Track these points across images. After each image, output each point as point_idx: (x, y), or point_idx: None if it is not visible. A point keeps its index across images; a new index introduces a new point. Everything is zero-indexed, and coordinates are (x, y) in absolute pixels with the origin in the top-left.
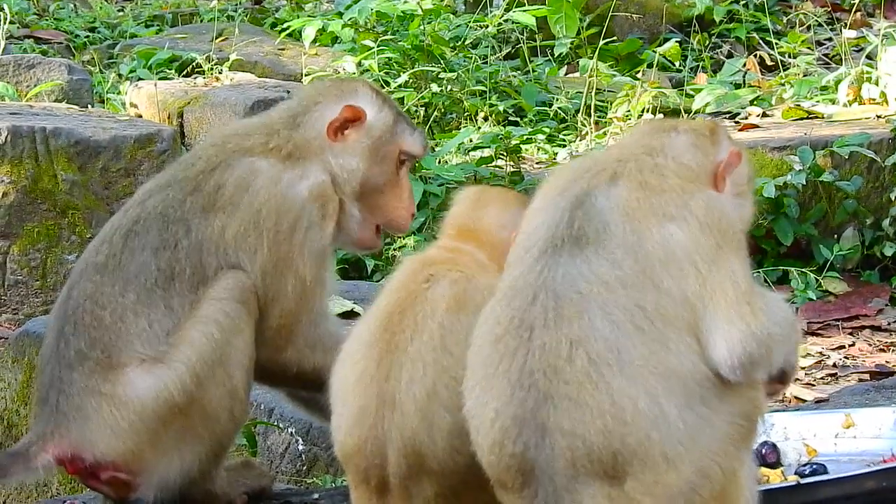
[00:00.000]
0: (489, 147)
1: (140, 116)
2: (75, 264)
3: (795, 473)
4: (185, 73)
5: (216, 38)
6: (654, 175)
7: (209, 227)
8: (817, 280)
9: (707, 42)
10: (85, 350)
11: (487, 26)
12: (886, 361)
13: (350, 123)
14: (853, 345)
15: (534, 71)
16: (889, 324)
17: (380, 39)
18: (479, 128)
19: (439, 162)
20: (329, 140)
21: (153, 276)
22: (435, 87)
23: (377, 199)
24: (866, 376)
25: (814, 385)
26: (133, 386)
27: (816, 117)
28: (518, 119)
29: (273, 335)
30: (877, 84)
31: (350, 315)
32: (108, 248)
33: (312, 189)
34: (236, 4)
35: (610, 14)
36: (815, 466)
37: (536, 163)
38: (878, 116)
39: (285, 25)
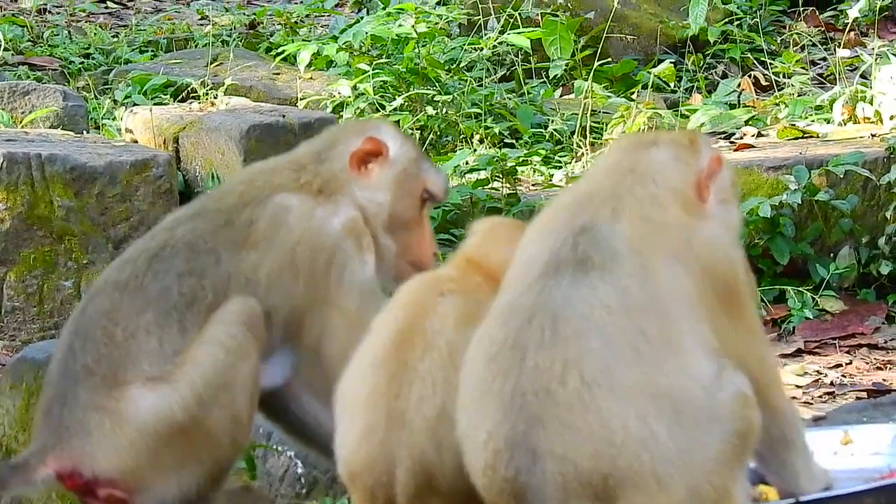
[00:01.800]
0: (485, 169)
1: (136, 142)
2: (95, 282)
3: None
4: (180, 98)
5: (211, 63)
6: (654, 208)
7: (241, 262)
8: (814, 299)
9: (701, 63)
10: (92, 365)
11: (482, 49)
12: (884, 379)
13: (372, 157)
14: (850, 363)
15: (529, 93)
16: (886, 342)
17: (375, 63)
18: (475, 150)
19: None
20: (353, 173)
21: (174, 299)
22: (430, 110)
23: (401, 236)
24: (864, 394)
25: (811, 403)
26: (136, 404)
27: (811, 137)
28: (514, 141)
29: (340, 369)
30: (871, 103)
31: None
32: (132, 269)
33: (346, 224)
34: (231, 29)
35: (604, 36)
36: None
37: (532, 184)
38: (873, 135)
39: (280, 50)
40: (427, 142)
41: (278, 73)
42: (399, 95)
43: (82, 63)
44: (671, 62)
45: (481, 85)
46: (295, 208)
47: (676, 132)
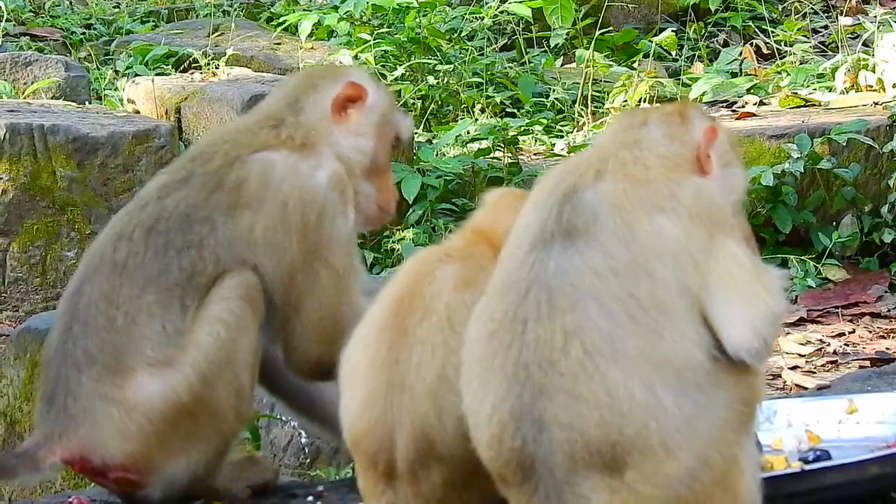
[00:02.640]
0: (486, 139)
1: (137, 112)
2: (86, 257)
3: (799, 460)
4: (181, 68)
5: (212, 34)
6: (638, 167)
7: (238, 225)
8: (816, 268)
9: (703, 31)
10: (94, 352)
11: (483, 18)
12: (887, 348)
13: (352, 101)
14: (853, 332)
15: (530, 62)
16: (889, 310)
17: (376, 32)
18: (477, 119)
19: (437, 154)
20: (334, 120)
21: (174, 276)
22: (431, 80)
23: (374, 182)
24: (867, 363)
25: (814, 373)
26: (143, 390)
27: (813, 105)
28: (515, 110)
29: (318, 328)
30: (873, 71)
31: None
32: (128, 247)
33: (331, 177)
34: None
35: (605, 4)
36: (818, 453)
37: (534, 154)
38: (876, 103)
39: (281, 20)
40: (428, 111)
41: (279, 44)
42: (400, 65)
43: (84, 34)
44: (672, 31)
45: (482, 54)
46: (279, 164)
47: (667, 107)
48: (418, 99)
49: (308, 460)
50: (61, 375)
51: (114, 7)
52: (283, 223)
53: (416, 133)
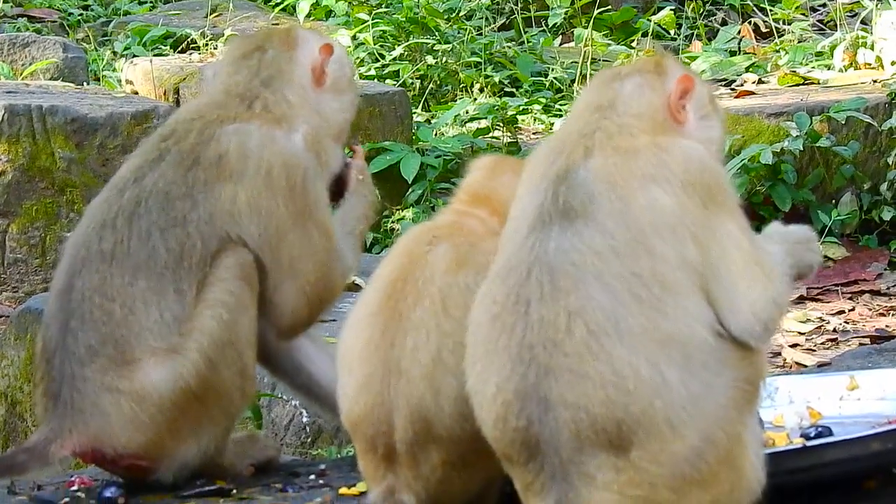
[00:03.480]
0: (486, 118)
1: (136, 93)
2: (70, 247)
3: (801, 436)
4: (179, 49)
5: (210, 14)
6: (623, 136)
7: (218, 198)
8: None
9: (701, 10)
10: (96, 346)
11: None
12: (886, 326)
13: (326, 63)
14: (853, 310)
15: (529, 41)
16: (888, 288)
17: (374, 12)
18: (475, 99)
19: (436, 134)
20: (314, 87)
21: (162, 258)
22: (430, 60)
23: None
24: (867, 340)
25: (814, 350)
26: (150, 380)
27: (812, 83)
28: (514, 90)
29: (314, 288)
30: (872, 49)
31: (351, 288)
32: (113, 235)
33: (306, 140)
34: None
35: None
36: (820, 429)
37: (533, 133)
38: (874, 81)
39: (279, 0)
40: (427, 91)
41: (277, 24)
42: (399, 45)
43: (81, 14)
44: (671, 9)
45: (481, 34)
46: (255, 134)
47: (643, 59)
48: (417, 79)
49: (309, 439)
50: (65, 372)
51: None
52: (268, 189)
53: (415, 113)
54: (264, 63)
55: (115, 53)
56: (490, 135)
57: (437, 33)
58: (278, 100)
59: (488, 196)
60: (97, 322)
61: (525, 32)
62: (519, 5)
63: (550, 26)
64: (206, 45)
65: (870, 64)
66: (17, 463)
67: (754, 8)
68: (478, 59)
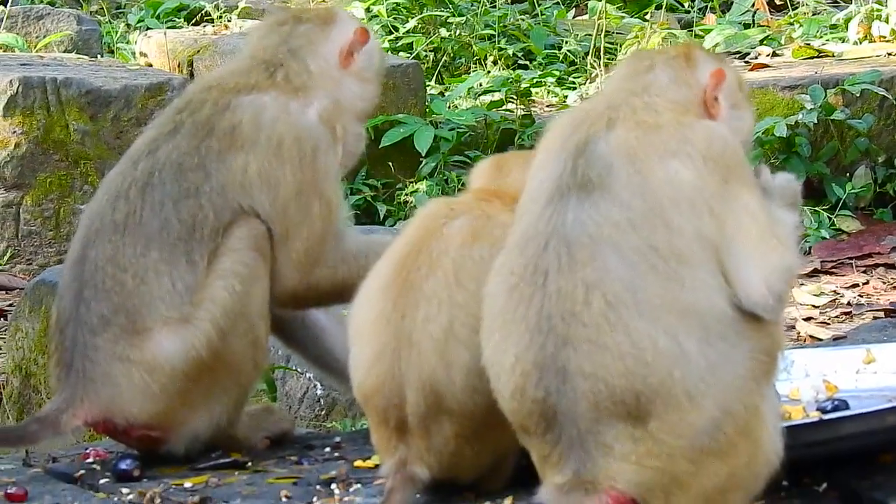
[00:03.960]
0: (499, 91)
1: (150, 66)
2: (85, 218)
3: (817, 409)
4: (193, 21)
5: None
6: (648, 112)
7: (230, 169)
8: (830, 219)
9: None
10: (108, 315)
11: None
12: None
13: (357, 47)
14: (867, 283)
15: (542, 14)
16: None
17: None
18: (489, 72)
19: (449, 107)
20: (340, 67)
21: (175, 229)
22: (444, 32)
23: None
24: (881, 314)
25: (828, 324)
26: (161, 349)
27: (826, 56)
28: (527, 62)
29: (301, 258)
30: (887, 21)
31: None
32: (126, 205)
33: (322, 114)
34: None
35: None
36: (836, 402)
37: (547, 106)
38: (889, 54)
39: None
40: (441, 63)
41: None
42: (412, 17)
43: None
44: None
45: (494, 6)
46: (270, 105)
47: (672, 49)
48: (430, 51)
49: (323, 412)
50: (77, 341)
51: None
52: (278, 160)
53: (428, 85)
54: (296, 32)
55: (128, 26)
56: (503, 107)
57: (450, 6)
58: (300, 70)
59: (498, 192)
60: (109, 292)
61: (539, 5)
62: None
63: None
64: (220, 17)
65: (884, 37)
66: (30, 432)
67: None
68: (491, 32)
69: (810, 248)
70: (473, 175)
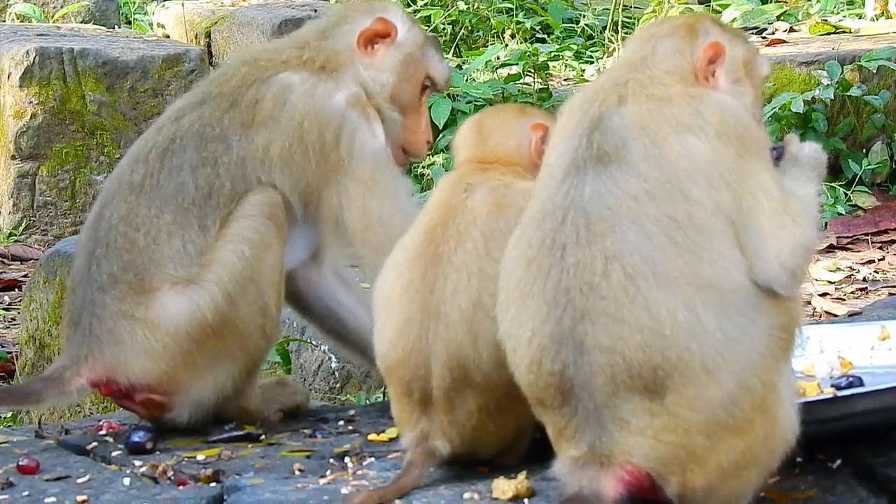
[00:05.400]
0: (517, 64)
1: (167, 37)
2: (106, 183)
3: (832, 386)
4: None
5: None
6: (656, 86)
7: (251, 143)
8: (846, 194)
9: None
10: (117, 273)
11: None
12: None
13: (380, 37)
14: (883, 259)
15: None
16: None
17: None
18: (507, 45)
19: (467, 80)
20: (359, 52)
21: (191, 194)
22: (462, 5)
23: (403, 119)
24: None
25: (844, 300)
26: (166, 309)
27: (844, 32)
28: (545, 36)
29: (365, 238)
30: None
31: None
32: (145, 168)
33: (349, 97)
34: None
35: None
36: (851, 379)
37: (564, 79)
38: None
39: None
40: (458, 37)
41: None
42: None
43: None
44: None
45: None
46: (297, 86)
47: (679, 19)
48: (448, 24)
49: (338, 385)
50: (87, 298)
51: None
52: (300, 143)
53: (446, 59)
54: (333, 17)
55: None
56: (521, 81)
57: None
58: (328, 54)
59: (493, 157)
60: (120, 250)
61: None
62: None
63: None
64: None
65: None
66: (33, 391)
67: None
68: (509, 6)
69: (826, 223)
70: (457, 141)
